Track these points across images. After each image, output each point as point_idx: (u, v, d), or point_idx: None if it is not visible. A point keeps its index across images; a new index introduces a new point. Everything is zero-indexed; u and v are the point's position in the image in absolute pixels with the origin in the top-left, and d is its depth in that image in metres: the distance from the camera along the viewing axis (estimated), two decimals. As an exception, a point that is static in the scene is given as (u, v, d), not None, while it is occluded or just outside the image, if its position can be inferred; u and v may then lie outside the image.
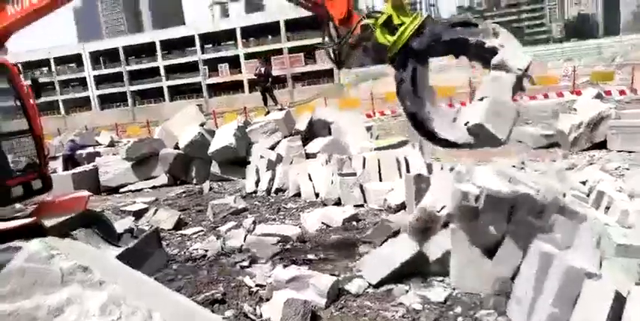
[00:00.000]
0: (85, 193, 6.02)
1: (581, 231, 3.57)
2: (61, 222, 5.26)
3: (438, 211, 4.96)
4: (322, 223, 6.29)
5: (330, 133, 10.92)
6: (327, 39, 4.74)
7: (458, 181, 5.38)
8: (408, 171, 7.25)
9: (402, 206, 6.19)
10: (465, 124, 3.79)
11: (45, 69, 68.82)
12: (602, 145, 9.34)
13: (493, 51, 3.87)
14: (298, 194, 8.15)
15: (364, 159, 7.86)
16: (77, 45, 70.27)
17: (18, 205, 8.33)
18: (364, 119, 12.21)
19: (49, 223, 5.02)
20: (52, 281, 2.02)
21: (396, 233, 5.16)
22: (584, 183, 5.80)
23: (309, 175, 8.26)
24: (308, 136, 10.90)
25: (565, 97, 17.36)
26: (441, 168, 7.37)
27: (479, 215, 4.35)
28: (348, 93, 46.02)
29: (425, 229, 4.55)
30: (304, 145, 10.27)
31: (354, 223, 6.21)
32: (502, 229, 3.95)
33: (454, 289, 3.94)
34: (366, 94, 27.45)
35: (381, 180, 7.49)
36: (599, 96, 12.00)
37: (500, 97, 3.80)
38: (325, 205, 7.28)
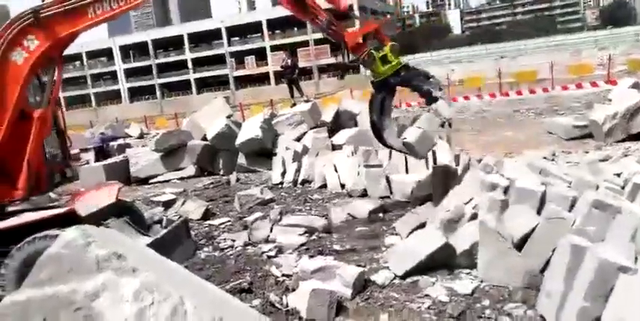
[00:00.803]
0: (117, 184, 6.17)
1: (615, 224, 3.47)
2: (95, 212, 5.40)
3: (466, 203, 4.91)
4: (348, 214, 6.30)
5: (356, 125, 10.88)
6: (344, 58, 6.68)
7: (486, 173, 5.31)
8: (435, 163, 7.17)
9: (428, 198, 6.13)
10: (403, 139, 6.40)
11: (77, 63, 70.49)
12: (638, 137, 9.03)
13: (435, 98, 6.11)
14: (324, 185, 8.17)
15: (390, 150, 7.80)
16: (108, 39, 71.65)
17: (53, 195, 8.63)
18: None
19: (83, 212, 5.18)
20: (88, 268, 2.09)
21: (422, 225, 5.14)
22: (618, 175, 5.62)
23: (335, 167, 8.27)
24: (334, 127, 10.89)
25: (600, 86, 16.81)
26: (469, 159, 7.27)
27: (508, 207, 4.29)
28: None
29: (452, 220, 4.52)
30: (330, 137, 10.27)
31: (380, 214, 6.19)
32: (532, 221, 3.88)
33: (482, 281, 3.90)
34: (392, 85, 27.11)
35: (407, 172, 7.44)
36: (635, 85, 11.57)
37: (428, 131, 6.67)
38: (351, 196, 7.28)
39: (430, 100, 6.33)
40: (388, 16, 72.98)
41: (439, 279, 4.03)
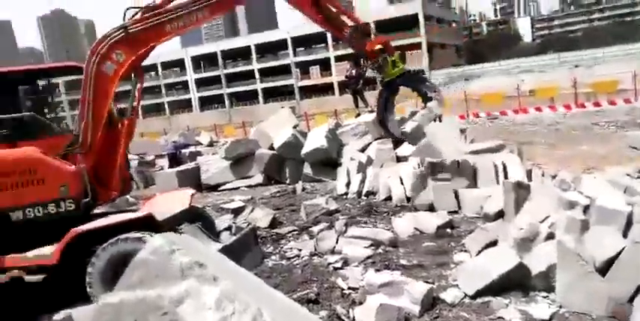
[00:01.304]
0: (191, 190, 6.45)
1: None
2: (170, 217, 5.67)
3: (541, 221, 4.70)
4: (415, 228, 6.21)
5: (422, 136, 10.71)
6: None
7: (563, 190, 5.06)
8: (506, 177, 6.92)
9: (500, 214, 5.92)
10: (403, 129, 9.18)
11: (153, 73, 74.66)
12: None
13: (429, 98, 8.56)
14: (389, 198, 8.10)
15: (458, 163, 7.62)
16: (180, 50, 75.39)
17: (131, 199, 9.14)
18: (457, 121, 11.82)
19: (159, 217, 5.45)
20: (172, 274, 2.20)
21: (493, 243, 4.97)
22: None
23: (401, 179, 8.18)
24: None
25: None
26: (542, 175, 6.95)
27: (589, 228, 4.06)
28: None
29: (526, 239, 4.33)
30: (395, 148, 10.18)
31: (449, 230, 6.05)
32: (618, 244, 3.65)
33: (560, 306, 3.70)
34: (457, 96, 26.58)
35: (476, 186, 7.23)
36: None
37: (422, 124, 8.99)
38: (417, 210, 7.16)
39: (425, 99, 8.97)
40: (454, 24, 71.67)
41: (513, 301, 3.87)
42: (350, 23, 8.44)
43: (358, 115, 12.61)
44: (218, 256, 2.77)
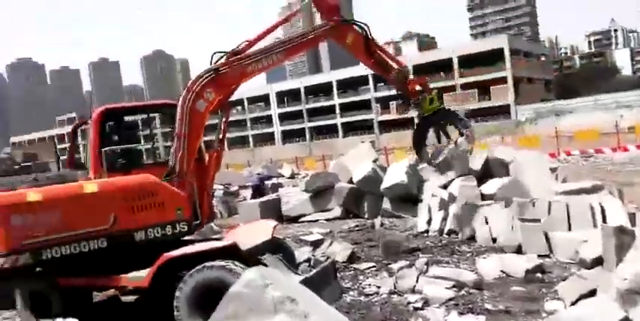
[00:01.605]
0: (273, 222, 6.62)
1: None
2: (253, 247, 5.83)
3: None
4: (501, 271, 5.88)
5: (508, 174, 10.27)
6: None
7: (675, 238, 4.59)
8: (604, 220, 6.41)
9: (598, 261, 5.45)
10: (433, 160, 10.16)
11: (239, 107, 78.78)
12: None
13: (461, 134, 9.89)
14: (473, 237, 7.78)
15: (549, 204, 7.18)
16: (266, 86, 79.17)
17: (215, 228, 9.53)
18: (548, 159, 11.22)
19: (243, 247, 5.62)
20: (266, 308, 2.26)
21: (592, 292, 4.57)
22: None
23: (486, 218, 7.84)
24: (483, 175, 10.41)
25: None
26: (648, 219, 6.35)
27: None
28: (524, 130, 42.95)
29: (632, 291, 3.94)
30: (479, 185, 9.82)
31: (539, 274, 5.66)
32: None
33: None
34: (547, 132, 25.31)
35: (570, 229, 6.74)
36: None
37: (449, 157, 9.84)
38: (504, 251, 6.80)
39: (459, 134, 10.25)
40: (542, 58, 69.12)
41: (616, 359, 3.50)
42: (395, 66, 9.63)
43: (440, 150, 12.36)
44: (307, 292, 2.79)
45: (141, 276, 5.07)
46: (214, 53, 6.89)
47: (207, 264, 4.86)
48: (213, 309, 4.69)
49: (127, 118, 6.76)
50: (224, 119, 6.88)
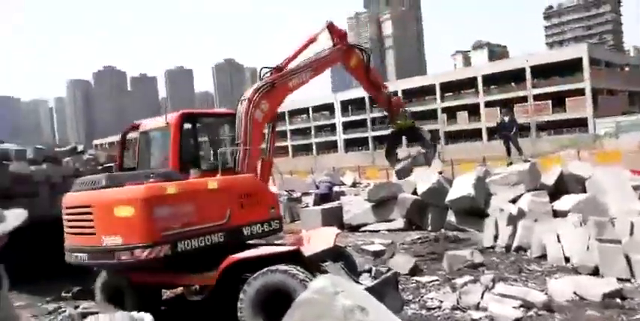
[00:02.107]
0: (336, 229, 6.65)
1: None
2: (315, 253, 5.88)
3: None
4: (575, 293, 5.55)
5: (584, 190, 9.71)
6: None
7: None
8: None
9: (686, 289, 5.02)
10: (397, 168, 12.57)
11: (304, 116, 79.97)
12: None
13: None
14: (543, 256, 7.40)
15: (632, 224, 6.72)
16: (331, 95, 79.84)
17: (280, 233, 9.71)
18: (630, 176, 10.47)
19: (305, 252, 5.68)
20: (336, 316, 2.28)
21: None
22: None
23: (558, 236, 7.44)
24: (556, 191, 9.91)
25: None
26: None
27: None
28: (603, 144, 40.34)
29: None
30: (551, 201, 9.35)
31: (618, 300, 5.28)
32: None
33: None
34: (629, 147, 23.65)
35: (654, 252, 6.25)
36: None
37: (411, 165, 12.32)
38: (578, 272, 6.41)
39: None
40: (626, 68, 64.76)
41: None
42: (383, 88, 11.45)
43: (510, 163, 11.95)
44: (376, 302, 2.78)
45: (208, 275, 5.26)
46: (262, 68, 7.78)
47: (271, 268, 4.96)
48: (275, 312, 4.81)
49: (201, 123, 7.15)
50: (272, 130, 7.44)
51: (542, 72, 54.22)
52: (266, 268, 4.97)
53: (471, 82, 60.76)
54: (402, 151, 14.05)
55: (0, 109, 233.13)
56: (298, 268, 4.96)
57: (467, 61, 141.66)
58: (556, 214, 8.91)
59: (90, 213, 5.05)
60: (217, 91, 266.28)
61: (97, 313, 5.18)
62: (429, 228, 10.58)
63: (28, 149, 8.80)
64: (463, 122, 61.67)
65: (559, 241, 7.36)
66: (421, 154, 12.13)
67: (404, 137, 13.26)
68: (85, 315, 5.52)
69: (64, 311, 6.27)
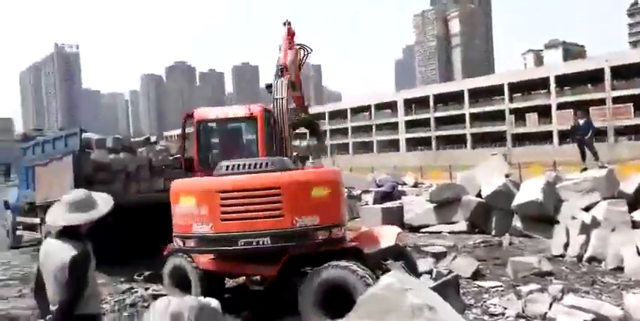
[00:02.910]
0: (397, 228, 6.60)
1: None
2: (376, 251, 5.85)
3: None
4: (655, 310, 5.16)
5: (668, 201, 9.00)
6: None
7: None
8: None
9: None
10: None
11: (366, 114, 79.62)
12: None
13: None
14: (619, 268, 6.95)
15: None
16: (394, 93, 78.95)
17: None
18: None
19: (365, 249, 5.67)
20: (404, 312, 2.28)
21: None
22: None
23: (638, 248, 6.96)
24: (636, 201, 9.26)
25: None
26: None
27: None
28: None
29: None
30: (631, 211, 8.74)
31: None
32: None
33: None
34: None
35: None
36: None
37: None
38: (660, 288, 5.97)
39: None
40: None
41: None
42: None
43: (585, 169, 11.29)
44: (443, 302, 2.75)
45: (270, 267, 5.39)
46: (282, 68, 8.23)
47: (332, 263, 5.00)
48: (334, 306, 4.85)
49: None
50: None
51: (623, 73, 50.70)
52: (327, 263, 5.02)
53: (542, 83, 57.86)
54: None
55: (83, 101, 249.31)
56: (359, 264, 4.98)
57: (539, 61, 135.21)
58: (635, 224, 8.34)
59: (278, 194, 4.90)
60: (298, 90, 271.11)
61: (165, 295, 5.45)
62: (493, 232, 10.24)
63: (108, 139, 9.36)
64: (532, 124, 58.93)
65: (639, 253, 6.89)
66: (315, 146, 11.86)
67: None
68: (154, 297, 5.83)
69: (136, 292, 6.66)
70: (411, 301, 2.26)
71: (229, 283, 6.66)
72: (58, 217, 3.01)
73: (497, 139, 61.42)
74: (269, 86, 8.31)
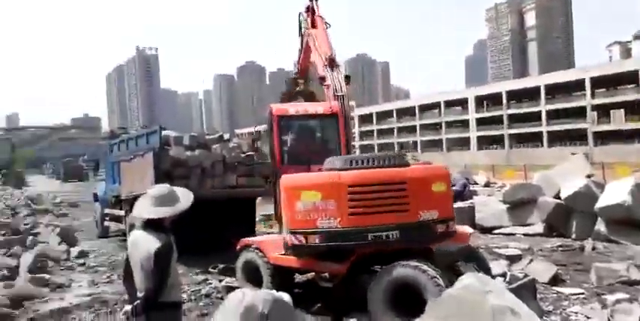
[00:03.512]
0: (469, 228, 6.40)
1: None
2: (447, 251, 5.70)
3: None
4: None
5: None
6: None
7: None
8: None
9: None
10: None
11: (436, 111, 77.82)
12: None
13: None
14: None
15: None
16: (465, 90, 76.49)
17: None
18: None
19: (435, 250, 5.54)
20: (483, 315, 2.21)
21: None
22: None
23: None
24: None
25: None
26: None
27: None
28: None
29: None
30: None
31: None
32: None
33: None
34: None
35: None
36: None
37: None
38: None
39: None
40: None
41: None
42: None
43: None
44: (525, 307, 2.64)
45: (338, 265, 5.41)
46: (331, 59, 7.35)
47: (402, 262, 4.94)
48: (403, 305, 4.80)
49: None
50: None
51: None
52: (397, 262, 4.97)
53: (630, 77, 53.58)
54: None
55: (161, 101, 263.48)
56: (429, 264, 4.88)
57: (626, 53, 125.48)
58: None
59: (404, 189, 5.02)
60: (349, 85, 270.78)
61: (238, 288, 5.64)
62: (574, 236, 9.65)
63: (185, 136, 9.83)
64: (618, 121, 54.84)
65: None
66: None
67: None
68: (228, 289, 6.05)
69: (211, 283, 6.95)
70: (492, 303, 2.18)
71: (299, 278, 6.78)
72: (143, 210, 3.20)
73: (577, 137, 57.73)
74: (294, 81, 8.42)
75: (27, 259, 8.28)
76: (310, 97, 10.68)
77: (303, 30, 8.38)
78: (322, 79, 7.12)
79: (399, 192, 5.02)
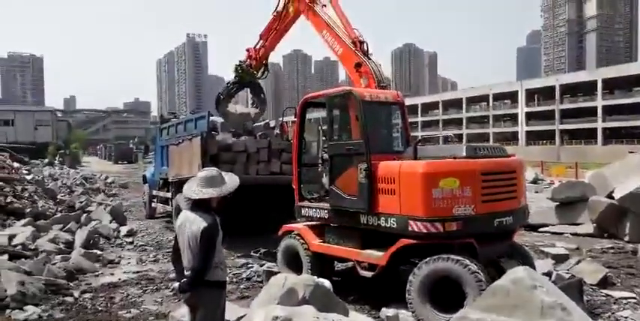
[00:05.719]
0: (515, 225, 6.22)
1: None
2: (490, 247, 5.58)
3: None
4: None
5: None
6: None
7: None
8: None
9: None
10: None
11: (484, 104, 75.67)
12: None
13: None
14: None
15: None
16: (515, 83, 73.89)
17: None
18: None
19: (477, 245, 5.42)
20: (533, 309, 2.17)
21: None
22: None
23: None
24: None
25: None
26: None
27: None
28: None
29: None
30: None
31: None
32: None
33: None
34: None
35: None
36: None
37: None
38: None
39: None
40: None
41: None
42: None
43: None
44: (574, 304, 2.56)
45: (379, 255, 5.42)
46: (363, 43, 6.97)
47: (444, 256, 4.89)
48: (441, 298, 4.76)
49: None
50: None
51: None
52: (439, 256, 4.92)
53: None
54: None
55: (209, 87, 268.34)
56: (471, 258, 4.81)
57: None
58: None
59: (515, 178, 5.47)
60: (394, 75, 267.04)
61: (278, 272, 5.75)
62: (627, 238, 9.23)
63: (231, 122, 10.03)
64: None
65: None
66: (256, 113, 10.73)
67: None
68: (268, 273, 6.18)
69: (252, 267, 7.12)
70: (541, 298, 2.13)
71: (338, 266, 6.83)
72: (191, 190, 3.32)
73: (636, 135, 54.77)
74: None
75: (81, 235, 8.74)
76: (259, 89, 10.92)
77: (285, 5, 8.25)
78: (357, 65, 6.82)
79: (512, 180, 5.41)
